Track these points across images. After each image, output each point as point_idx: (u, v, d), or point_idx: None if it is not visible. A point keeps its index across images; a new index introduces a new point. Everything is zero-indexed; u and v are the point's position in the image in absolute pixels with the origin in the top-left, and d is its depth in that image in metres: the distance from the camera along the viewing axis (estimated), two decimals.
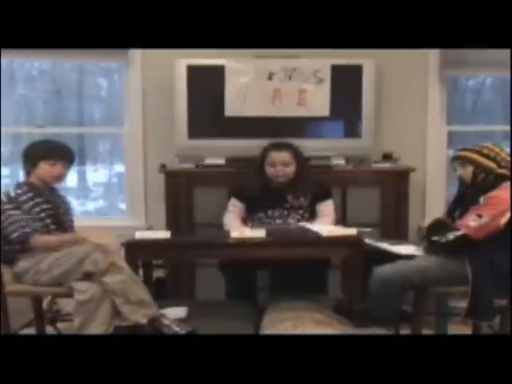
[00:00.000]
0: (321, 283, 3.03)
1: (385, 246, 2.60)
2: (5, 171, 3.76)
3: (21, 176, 3.59)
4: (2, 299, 2.40)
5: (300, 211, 2.94)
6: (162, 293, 3.05)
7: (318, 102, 3.23)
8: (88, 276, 2.37)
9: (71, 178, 2.99)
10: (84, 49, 2.22)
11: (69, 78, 3.73)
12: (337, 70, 3.22)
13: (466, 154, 2.51)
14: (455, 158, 2.56)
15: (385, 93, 3.40)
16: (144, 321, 2.36)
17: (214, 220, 3.10)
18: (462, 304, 2.40)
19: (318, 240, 2.60)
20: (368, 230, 2.71)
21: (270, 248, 2.59)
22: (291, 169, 2.91)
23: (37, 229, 2.49)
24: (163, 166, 3.29)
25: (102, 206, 4.01)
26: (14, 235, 2.46)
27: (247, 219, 2.98)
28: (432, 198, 3.56)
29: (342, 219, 3.17)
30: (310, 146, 3.15)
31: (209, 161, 3.27)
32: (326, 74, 3.22)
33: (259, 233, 2.59)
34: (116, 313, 2.37)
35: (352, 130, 3.35)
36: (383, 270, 2.43)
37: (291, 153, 2.91)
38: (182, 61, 3.22)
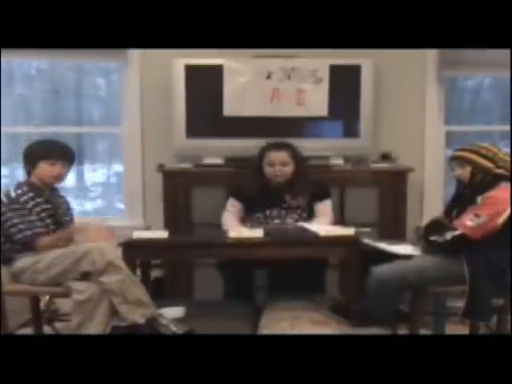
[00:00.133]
0: (318, 283, 3.03)
1: (383, 245, 2.60)
2: (3, 171, 3.74)
3: (19, 176, 3.60)
4: (0, 299, 2.41)
5: (298, 211, 2.94)
6: (160, 293, 3.05)
7: (317, 101, 3.24)
8: (86, 276, 2.37)
9: (69, 178, 2.97)
10: (82, 49, 2.22)
11: (67, 77, 3.72)
12: (335, 70, 3.23)
13: (464, 154, 2.51)
14: (453, 158, 2.57)
15: (383, 93, 3.40)
16: (142, 321, 2.35)
17: (212, 220, 3.10)
18: (460, 304, 2.40)
19: (315, 240, 2.60)
20: (366, 229, 2.72)
21: (268, 248, 2.59)
22: (289, 168, 2.91)
23: (39, 230, 2.49)
24: (161, 166, 3.29)
25: (101, 206, 4.00)
26: (18, 236, 2.46)
27: (245, 219, 2.98)
28: (430, 197, 3.56)
29: (340, 219, 3.18)
30: (308, 145, 3.15)
31: (207, 160, 3.27)
32: (325, 74, 3.22)
33: (257, 233, 2.59)
34: (114, 313, 2.36)
35: (350, 130, 3.35)
36: (381, 270, 2.43)
37: (289, 152, 2.91)
38: (180, 60, 3.22)
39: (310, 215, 2.95)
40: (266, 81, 3.23)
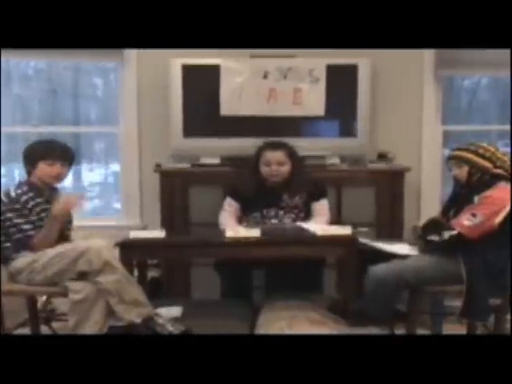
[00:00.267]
0: (316, 282, 3.03)
1: (380, 245, 2.59)
2: (1, 170, 3.76)
3: (17, 175, 3.60)
4: None
5: (295, 210, 2.94)
6: (157, 292, 3.05)
7: (314, 101, 3.23)
8: (82, 275, 2.37)
9: (67, 178, 2.97)
10: (80, 49, 2.21)
11: (64, 77, 3.72)
12: (332, 70, 3.23)
13: (461, 153, 2.51)
14: (450, 158, 2.56)
15: (380, 92, 3.40)
16: (138, 320, 2.35)
17: (209, 219, 3.09)
18: (457, 303, 2.40)
19: (313, 239, 2.60)
20: (363, 229, 2.72)
21: (265, 247, 2.59)
22: (286, 168, 2.91)
23: (39, 230, 2.49)
24: (158, 166, 3.29)
25: (98, 206, 4.00)
26: (17, 236, 2.46)
27: (242, 219, 2.98)
28: (427, 197, 3.56)
29: (337, 219, 3.17)
30: (305, 145, 3.15)
31: (204, 160, 3.27)
32: (321, 74, 3.22)
33: (254, 232, 2.59)
34: (110, 312, 2.36)
35: (347, 130, 3.35)
36: (378, 270, 2.43)
37: (286, 152, 2.91)
38: (177, 60, 3.21)
39: (307, 215, 2.95)
40: (263, 80, 3.22)
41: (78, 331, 2.32)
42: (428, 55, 3.47)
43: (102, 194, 4.05)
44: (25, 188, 2.55)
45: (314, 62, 3.22)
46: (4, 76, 3.58)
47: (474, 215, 2.35)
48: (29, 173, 2.62)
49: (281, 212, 2.93)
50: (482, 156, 2.46)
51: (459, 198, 2.53)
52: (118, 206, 3.79)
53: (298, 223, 2.82)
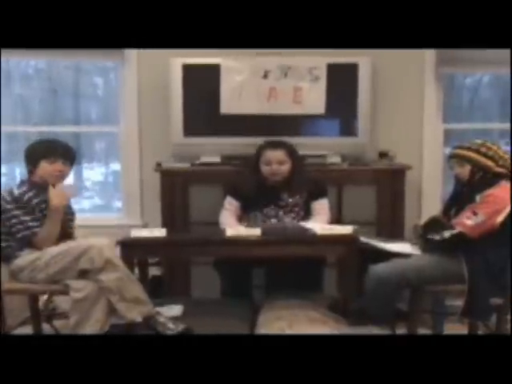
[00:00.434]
0: (316, 281, 3.03)
1: (381, 244, 2.59)
2: (2, 169, 3.76)
3: (18, 175, 3.60)
4: None
5: (295, 209, 2.94)
6: (158, 291, 3.05)
7: (314, 100, 3.23)
8: (84, 274, 2.37)
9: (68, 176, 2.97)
10: (80, 48, 2.22)
11: (65, 76, 3.73)
12: (332, 68, 3.23)
13: (463, 152, 2.49)
14: (452, 156, 2.54)
15: (381, 91, 3.40)
16: (139, 319, 2.36)
17: (209, 218, 3.09)
18: (458, 303, 2.39)
19: (313, 238, 2.60)
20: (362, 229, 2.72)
21: (265, 246, 2.59)
22: (286, 167, 2.91)
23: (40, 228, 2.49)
24: (159, 165, 3.29)
25: (98, 205, 4.00)
26: (20, 235, 2.46)
27: (243, 217, 2.98)
28: (428, 196, 3.56)
29: (337, 218, 3.17)
30: (305, 144, 3.15)
31: (204, 159, 3.27)
32: (322, 72, 3.22)
33: (254, 231, 2.59)
34: (112, 311, 2.37)
35: (348, 128, 3.35)
36: (379, 269, 2.43)
37: (286, 151, 2.91)
38: (177, 60, 3.22)
39: (307, 214, 2.95)
40: (263, 79, 3.22)
41: (80, 329, 2.32)
42: (429, 53, 3.46)
43: (102, 192, 4.05)
44: (27, 187, 2.56)
45: (315, 61, 3.21)
46: (4, 76, 3.58)
47: (475, 214, 2.35)
48: (30, 172, 2.62)
49: (281, 211, 2.92)
50: (485, 155, 2.44)
51: (460, 197, 2.52)
52: (119, 204, 3.80)
53: (299, 222, 2.82)
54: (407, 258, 2.48)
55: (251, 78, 3.22)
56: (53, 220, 2.50)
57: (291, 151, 2.92)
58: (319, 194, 2.97)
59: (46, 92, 3.73)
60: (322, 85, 3.22)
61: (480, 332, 2.72)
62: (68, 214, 2.69)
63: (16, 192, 2.52)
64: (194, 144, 3.27)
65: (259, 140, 3.03)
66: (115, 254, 2.44)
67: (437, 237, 2.42)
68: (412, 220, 3.31)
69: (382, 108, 3.44)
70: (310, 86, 3.22)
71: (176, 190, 3.28)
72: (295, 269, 2.83)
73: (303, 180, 2.93)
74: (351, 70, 3.24)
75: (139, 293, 2.40)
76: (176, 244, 2.69)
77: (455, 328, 2.79)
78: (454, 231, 2.37)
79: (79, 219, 2.83)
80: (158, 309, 2.48)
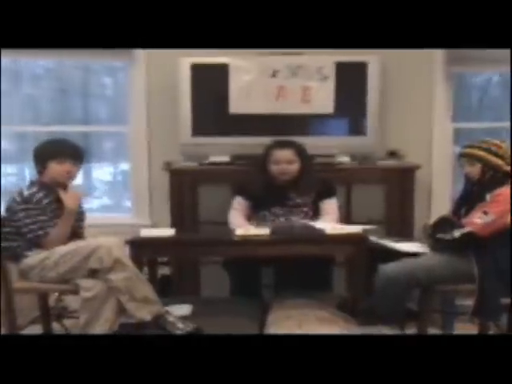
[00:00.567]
0: (325, 281, 3.03)
1: (390, 243, 2.58)
2: (12, 169, 3.77)
3: (27, 175, 3.62)
4: (8, 296, 2.42)
5: (304, 209, 2.93)
6: (167, 290, 3.06)
7: (323, 99, 3.22)
8: (93, 273, 2.38)
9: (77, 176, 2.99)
10: (89, 48, 2.23)
11: (74, 76, 3.74)
12: (341, 67, 3.22)
13: (473, 151, 2.48)
14: (462, 155, 2.54)
15: (390, 90, 3.38)
16: (149, 318, 2.37)
17: (218, 218, 3.10)
18: (469, 302, 2.39)
19: (322, 238, 2.59)
20: (372, 227, 2.71)
21: (274, 246, 2.59)
22: (295, 167, 2.90)
23: (51, 229, 2.50)
24: (168, 164, 3.30)
25: (108, 204, 4.02)
26: (30, 235, 2.48)
27: (251, 217, 2.98)
28: (438, 195, 3.54)
29: (346, 217, 3.17)
30: (314, 143, 3.14)
31: (213, 159, 3.27)
32: (331, 71, 3.21)
33: (263, 230, 2.59)
34: (121, 310, 2.38)
35: (357, 128, 3.34)
36: (389, 268, 2.42)
37: (295, 150, 2.90)
38: (186, 59, 3.22)
39: (316, 213, 2.94)
40: (272, 79, 3.22)
41: (89, 328, 2.33)
42: (438, 52, 3.45)
43: (111, 192, 4.07)
44: (37, 187, 2.57)
45: (323, 60, 3.21)
46: (14, 76, 3.61)
47: (485, 213, 2.33)
48: (40, 172, 2.63)
49: (289, 210, 2.92)
50: (495, 154, 2.43)
51: (470, 196, 2.51)
52: (128, 204, 3.81)
53: (307, 221, 2.82)
54: (417, 258, 2.47)
55: (260, 78, 3.22)
56: (67, 221, 2.52)
57: (300, 151, 2.92)
58: (328, 193, 2.96)
59: (55, 92, 3.74)
60: (330, 84, 3.22)
61: (491, 332, 2.70)
62: (78, 214, 2.71)
63: (26, 193, 2.53)
64: (202, 144, 3.27)
65: (268, 139, 3.02)
66: (124, 253, 2.45)
67: (447, 236, 2.41)
68: (421, 219, 3.30)
69: (391, 107, 3.42)
70: (318, 85, 3.21)
71: (185, 189, 3.29)
72: (304, 268, 2.83)
73: (312, 180, 2.93)
74: (360, 68, 3.23)
75: (148, 292, 2.41)
76: (185, 243, 2.69)
77: (465, 328, 2.77)
78: (464, 230, 2.36)
79: (88, 219, 2.84)
80: (167, 308, 2.48)
